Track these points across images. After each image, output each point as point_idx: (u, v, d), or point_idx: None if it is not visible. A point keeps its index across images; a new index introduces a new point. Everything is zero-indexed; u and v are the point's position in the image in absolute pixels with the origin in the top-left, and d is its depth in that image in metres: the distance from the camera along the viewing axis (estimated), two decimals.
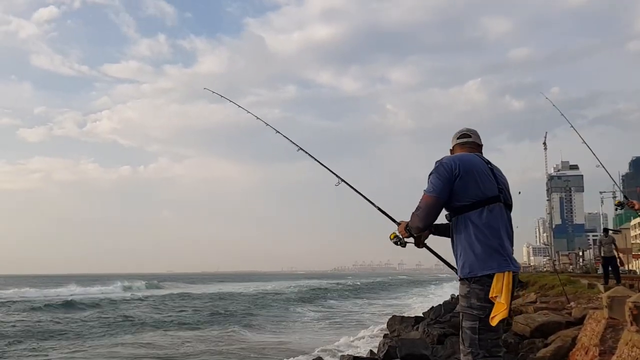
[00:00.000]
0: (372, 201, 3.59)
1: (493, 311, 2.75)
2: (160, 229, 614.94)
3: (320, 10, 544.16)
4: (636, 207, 5.24)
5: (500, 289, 2.73)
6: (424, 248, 3.17)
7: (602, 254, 14.44)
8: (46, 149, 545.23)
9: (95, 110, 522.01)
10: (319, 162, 4.15)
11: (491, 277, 2.76)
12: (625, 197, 5.39)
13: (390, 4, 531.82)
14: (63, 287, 55.42)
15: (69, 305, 30.23)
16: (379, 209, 3.48)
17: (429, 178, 2.98)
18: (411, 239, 3.10)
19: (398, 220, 3.22)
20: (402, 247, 3.17)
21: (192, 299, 37.48)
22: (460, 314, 2.88)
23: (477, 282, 2.80)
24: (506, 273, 2.77)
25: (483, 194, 2.89)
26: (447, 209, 2.99)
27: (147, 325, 19.98)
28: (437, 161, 2.99)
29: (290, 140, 4.55)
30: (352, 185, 3.81)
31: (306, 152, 4.31)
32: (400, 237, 3.14)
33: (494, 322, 2.73)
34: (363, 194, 3.70)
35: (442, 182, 2.89)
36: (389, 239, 3.18)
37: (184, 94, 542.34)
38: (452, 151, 3.19)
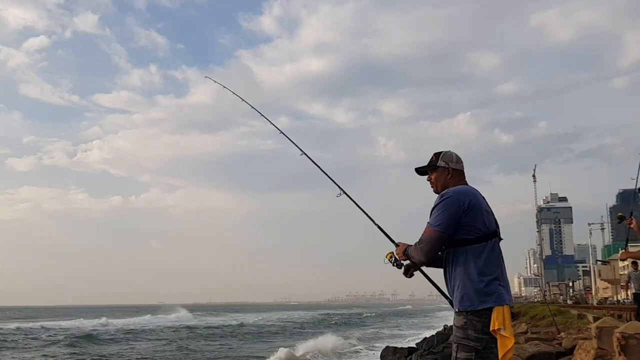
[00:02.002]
0: (373, 218, 3.53)
1: (501, 348, 2.74)
2: (151, 259, 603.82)
3: (313, 43, 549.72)
4: (632, 224, 5.41)
5: (502, 322, 2.74)
6: (421, 274, 3.15)
7: (634, 290, 14.18)
8: (35, 179, 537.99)
9: (85, 140, 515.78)
10: (321, 169, 4.13)
11: (489, 310, 2.77)
12: (631, 214, 5.57)
13: (381, 39, 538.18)
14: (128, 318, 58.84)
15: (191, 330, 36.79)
16: (379, 227, 3.42)
17: (432, 210, 2.93)
18: (407, 261, 3.07)
19: (397, 241, 3.19)
20: (398, 268, 3.10)
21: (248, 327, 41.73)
22: (455, 345, 2.83)
23: (474, 314, 2.79)
24: (505, 306, 2.79)
25: (486, 229, 2.89)
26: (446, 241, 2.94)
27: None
28: (444, 194, 2.93)
29: (294, 143, 4.54)
30: (353, 199, 3.74)
31: (309, 158, 4.30)
32: (397, 258, 3.09)
33: None
34: (364, 209, 3.62)
35: (448, 217, 2.84)
36: (385, 259, 3.13)
37: (175, 125, 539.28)
38: (447, 172, 3.07)
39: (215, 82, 6.22)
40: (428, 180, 3.14)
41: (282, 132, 4.82)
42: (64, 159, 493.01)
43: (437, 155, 3.11)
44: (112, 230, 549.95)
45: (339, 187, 3.83)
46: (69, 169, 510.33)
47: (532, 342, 9.85)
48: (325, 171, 4.08)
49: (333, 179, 3.94)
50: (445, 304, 3.11)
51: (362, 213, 3.62)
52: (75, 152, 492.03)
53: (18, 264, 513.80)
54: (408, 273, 3.13)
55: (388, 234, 3.36)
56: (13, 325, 42.74)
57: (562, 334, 11.44)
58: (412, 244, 3.04)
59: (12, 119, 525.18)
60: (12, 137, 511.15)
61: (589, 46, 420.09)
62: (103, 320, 51.32)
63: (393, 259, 3.12)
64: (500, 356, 2.74)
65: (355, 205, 3.69)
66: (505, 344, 2.73)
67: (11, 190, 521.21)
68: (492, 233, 2.92)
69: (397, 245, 3.16)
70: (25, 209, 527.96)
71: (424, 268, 3.16)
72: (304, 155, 4.34)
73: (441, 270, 3.10)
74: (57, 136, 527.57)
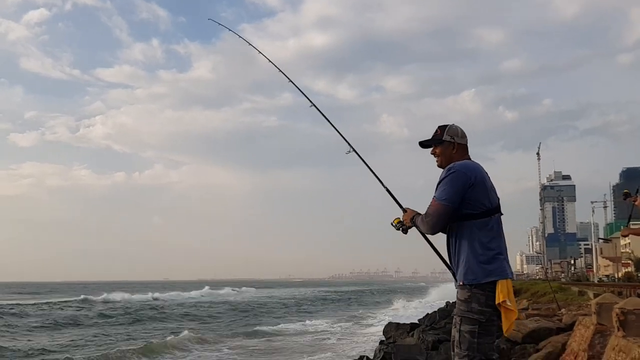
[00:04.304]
0: (382, 181, 3.48)
1: (505, 320, 2.82)
2: (155, 236, 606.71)
3: (316, 18, 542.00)
4: (638, 202, 5.46)
5: (506, 294, 2.80)
6: (428, 244, 3.17)
7: None
8: (38, 154, 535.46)
9: (88, 115, 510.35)
10: (330, 123, 4.07)
11: (493, 283, 2.82)
12: (637, 191, 5.63)
13: (385, 13, 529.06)
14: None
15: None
16: (387, 190, 3.39)
17: (438, 184, 2.95)
18: (413, 228, 3.10)
19: (404, 207, 3.20)
20: (404, 233, 3.12)
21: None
22: (459, 318, 2.88)
23: (478, 287, 2.84)
24: (509, 280, 2.87)
25: (490, 204, 2.93)
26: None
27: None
28: (450, 168, 2.94)
29: (303, 93, 4.50)
30: (363, 158, 3.69)
31: (319, 110, 4.24)
32: (404, 223, 3.11)
33: (507, 333, 2.88)
34: (373, 170, 3.57)
35: (456, 190, 2.86)
36: (391, 224, 3.15)
37: (178, 100, 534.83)
38: (452, 146, 3.05)
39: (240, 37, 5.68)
40: (432, 153, 3.12)
41: (291, 81, 4.76)
42: (67, 135, 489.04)
43: (442, 128, 3.08)
44: (116, 207, 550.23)
45: (348, 144, 3.76)
46: (72, 145, 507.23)
47: (532, 318, 9.98)
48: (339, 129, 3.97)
49: (344, 136, 3.87)
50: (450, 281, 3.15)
51: (373, 178, 3.57)
52: (78, 128, 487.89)
53: (21, 240, 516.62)
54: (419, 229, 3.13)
55: (397, 198, 3.33)
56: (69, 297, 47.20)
57: (563, 310, 11.59)
58: (420, 212, 3.06)
59: (13, 93, 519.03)
60: (14, 112, 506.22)
61: (594, 21, 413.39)
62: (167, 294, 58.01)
63: (400, 224, 3.13)
64: (505, 329, 2.82)
65: (365, 165, 3.63)
66: (510, 317, 2.81)
67: (14, 165, 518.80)
68: (495, 208, 2.96)
69: (404, 210, 3.17)
70: (28, 184, 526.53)
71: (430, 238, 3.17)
72: (313, 107, 4.27)
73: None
74: (60, 111, 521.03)
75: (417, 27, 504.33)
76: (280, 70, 4.83)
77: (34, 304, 37.56)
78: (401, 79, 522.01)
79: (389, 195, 3.40)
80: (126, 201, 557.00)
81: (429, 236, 3.16)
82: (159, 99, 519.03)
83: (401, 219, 3.14)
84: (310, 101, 4.28)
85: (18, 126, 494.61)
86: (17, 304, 37.01)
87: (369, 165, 3.61)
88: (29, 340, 19.12)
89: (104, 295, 48.07)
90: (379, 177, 3.52)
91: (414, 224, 3.05)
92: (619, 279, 48.79)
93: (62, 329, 23.31)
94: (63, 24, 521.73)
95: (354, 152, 3.74)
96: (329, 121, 4.08)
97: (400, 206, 3.25)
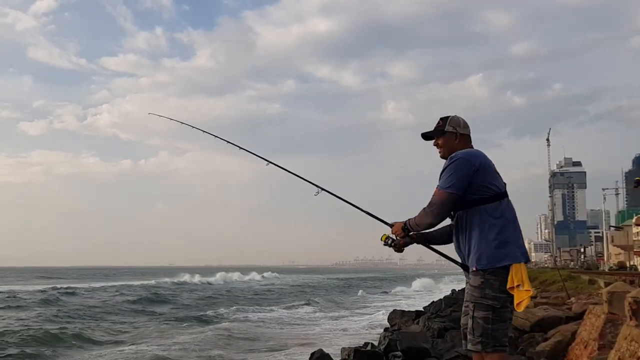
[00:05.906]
0: (359, 206, 3.48)
1: (517, 298, 2.78)
2: (162, 222, 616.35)
3: (320, 3, 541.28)
4: None
5: (520, 278, 2.78)
6: (423, 245, 3.17)
7: None
8: (46, 143, 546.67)
9: (95, 104, 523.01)
10: (292, 173, 3.97)
11: (506, 268, 2.81)
12: None
13: None
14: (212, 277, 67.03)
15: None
16: (368, 213, 3.38)
17: (442, 173, 2.95)
18: (407, 239, 3.09)
19: (390, 222, 3.19)
20: (396, 250, 3.13)
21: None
22: (472, 304, 2.87)
23: (492, 273, 2.83)
24: (522, 263, 2.84)
25: (498, 188, 2.94)
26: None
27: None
28: (453, 156, 2.95)
29: (258, 155, 4.34)
30: (335, 193, 3.64)
31: (277, 165, 4.11)
32: (394, 238, 3.11)
33: (520, 308, 2.81)
34: (348, 200, 3.56)
35: (460, 178, 2.87)
36: (380, 241, 3.15)
37: (182, 88, 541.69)
38: (455, 136, 3.07)
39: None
40: (435, 145, 3.15)
41: (237, 145, 4.77)
42: (75, 123, 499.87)
43: (444, 119, 3.11)
44: (123, 194, 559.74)
45: (315, 185, 3.69)
46: (80, 133, 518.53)
47: (541, 306, 9.84)
48: (300, 174, 3.87)
49: (308, 179, 3.79)
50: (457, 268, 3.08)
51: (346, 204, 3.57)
52: (86, 116, 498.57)
53: (29, 227, 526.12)
54: (406, 244, 3.11)
55: (379, 217, 3.31)
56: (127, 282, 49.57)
57: (572, 299, 11.41)
58: (409, 218, 3.02)
59: (22, 83, 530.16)
60: (23, 101, 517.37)
61: (606, 3, 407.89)
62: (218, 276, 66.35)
63: (390, 240, 3.13)
64: (515, 304, 2.80)
65: (338, 199, 3.58)
66: (521, 295, 2.79)
67: (23, 154, 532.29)
68: (504, 192, 2.96)
69: (391, 225, 3.15)
70: (37, 172, 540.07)
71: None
72: (270, 164, 4.16)
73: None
74: (67, 100, 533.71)
75: (422, 10, 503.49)
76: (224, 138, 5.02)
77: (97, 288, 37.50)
78: (406, 64, 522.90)
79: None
80: (133, 188, 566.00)
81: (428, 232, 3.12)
82: (163, 88, 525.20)
83: (389, 235, 3.13)
84: (268, 160, 4.21)
85: (27, 115, 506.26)
86: (79, 287, 37.22)
87: (344, 198, 3.58)
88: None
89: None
90: (356, 205, 3.50)
91: (408, 230, 3.03)
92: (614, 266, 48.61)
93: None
94: (69, 14, 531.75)
95: (324, 192, 3.66)
96: (289, 171, 4.01)
97: (386, 223, 3.22)
